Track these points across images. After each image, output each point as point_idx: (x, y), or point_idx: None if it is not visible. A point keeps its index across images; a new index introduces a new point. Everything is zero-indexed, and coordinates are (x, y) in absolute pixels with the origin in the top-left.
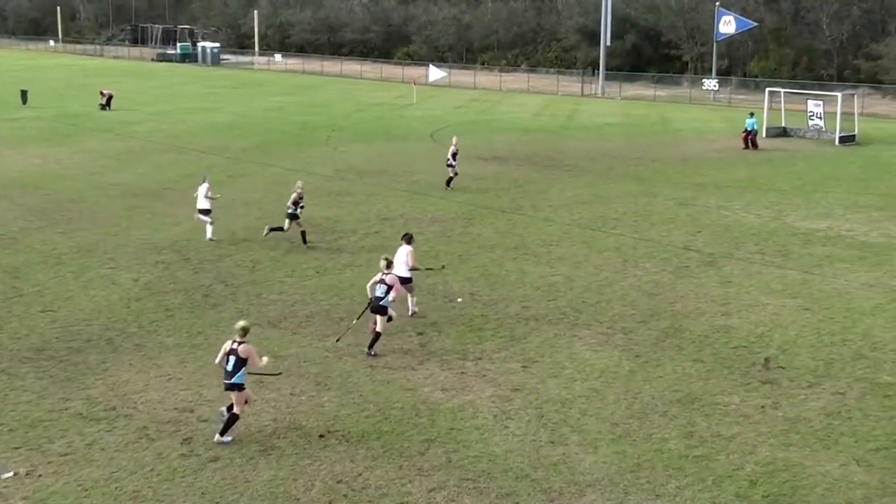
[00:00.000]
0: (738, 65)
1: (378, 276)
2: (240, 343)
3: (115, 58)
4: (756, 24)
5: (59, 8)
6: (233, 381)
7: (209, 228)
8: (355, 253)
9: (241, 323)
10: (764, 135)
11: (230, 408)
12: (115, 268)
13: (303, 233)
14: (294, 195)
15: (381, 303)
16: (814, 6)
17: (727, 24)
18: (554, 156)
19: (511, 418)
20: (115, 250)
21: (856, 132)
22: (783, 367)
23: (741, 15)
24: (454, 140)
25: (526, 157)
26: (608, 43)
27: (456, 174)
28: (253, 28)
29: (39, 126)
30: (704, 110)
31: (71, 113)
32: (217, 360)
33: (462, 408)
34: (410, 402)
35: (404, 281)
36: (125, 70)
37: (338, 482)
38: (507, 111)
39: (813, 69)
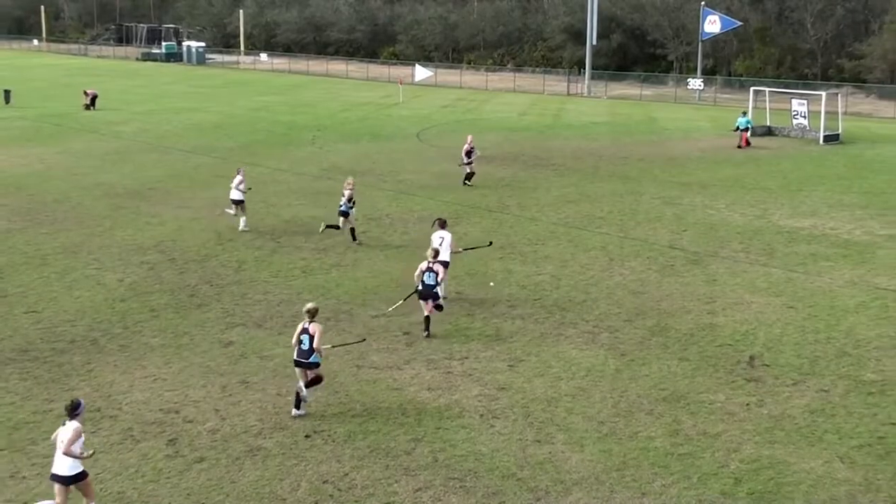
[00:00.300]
0: (723, 64)
1: (426, 265)
2: (311, 324)
3: (100, 57)
4: (741, 23)
5: (42, 7)
6: (308, 360)
7: (241, 220)
8: (342, 253)
9: (310, 305)
10: (749, 134)
11: (309, 384)
12: (100, 268)
13: (352, 230)
14: (347, 192)
15: (432, 290)
16: (798, 6)
17: (712, 24)
18: (540, 155)
19: (497, 417)
20: (99, 251)
21: (840, 131)
22: (768, 365)
23: (726, 14)
24: (468, 138)
25: (512, 157)
26: (594, 42)
27: (472, 172)
28: (238, 27)
29: (23, 126)
30: (690, 109)
31: (55, 113)
32: (293, 341)
33: (448, 407)
34: (397, 401)
35: (445, 265)
36: (110, 69)
37: (324, 482)
38: (494, 110)
39: (797, 68)
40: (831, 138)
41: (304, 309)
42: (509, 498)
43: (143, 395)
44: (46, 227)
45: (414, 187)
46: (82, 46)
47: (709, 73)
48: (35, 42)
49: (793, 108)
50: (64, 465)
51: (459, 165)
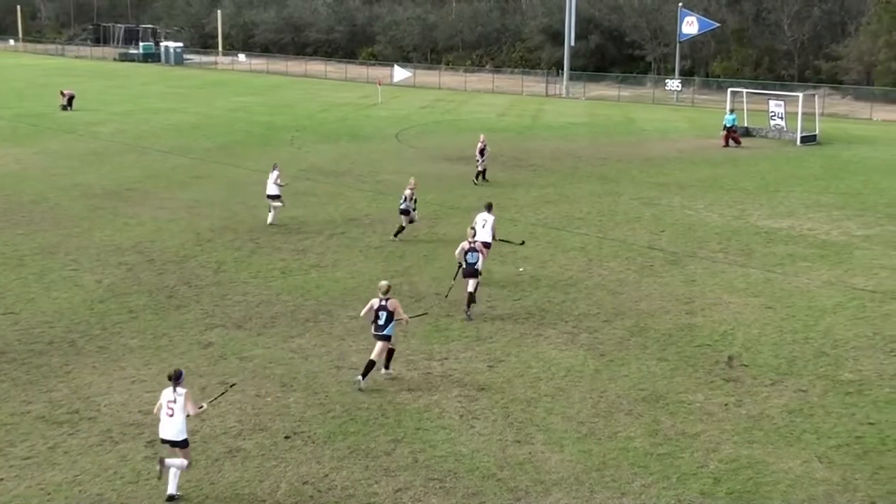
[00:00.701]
0: (700, 65)
1: (468, 245)
2: (387, 300)
3: (77, 57)
4: (718, 24)
5: (19, 7)
6: (385, 332)
7: (271, 214)
8: (321, 254)
9: (384, 283)
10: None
11: (388, 358)
12: (78, 269)
13: (402, 228)
14: (407, 191)
15: (475, 267)
16: (775, 7)
17: (690, 25)
18: (519, 156)
19: (477, 418)
20: (77, 252)
21: (817, 132)
22: (746, 365)
23: (703, 16)
24: (481, 137)
25: (491, 157)
26: (572, 43)
27: (484, 169)
28: (216, 28)
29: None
30: (668, 110)
31: (32, 113)
32: (362, 314)
33: (428, 408)
34: (377, 402)
35: (486, 246)
36: (87, 70)
37: (304, 483)
38: (472, 111)
39: (774, 69)
40: (808, 139)
41: (379, 286)
42: (489, 498)
43: (121, 396)
44: (23, 227)
45: (393, 188)
46: (59, 46)
47: (686, 75)
48: (11, 42)
49: (770, 109)
50: (177, 430)
51: (477, 163)
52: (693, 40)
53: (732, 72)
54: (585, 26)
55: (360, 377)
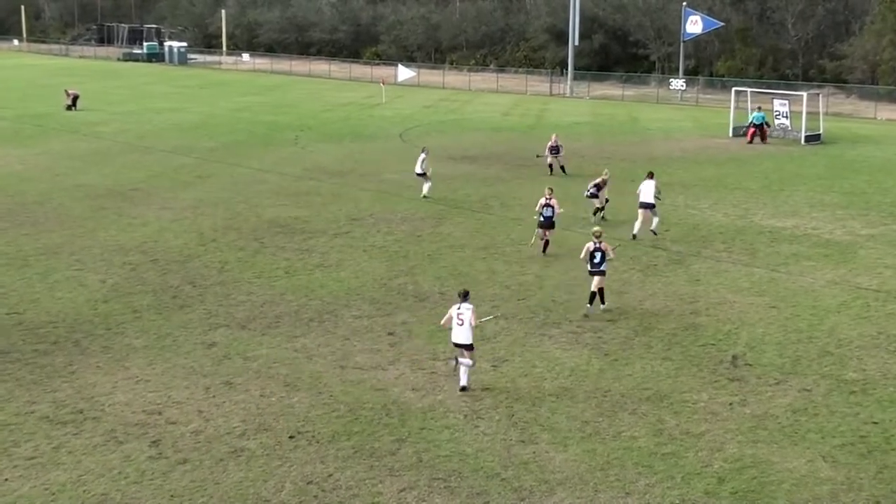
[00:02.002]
0: (704, 64)
1: (543, 201)
2: (601, 242)
3: (81, 57)
4: (722, 23)
5: (23, 7)
6: (601, 268)
7: (425, 186)
8: (325, 253)
9: (597, 228)
10: (731, 134)
11: (600, 293)
12: (82, 269)
13: (600, 209)
14: (599, 179)
15: (550, 220)
16: (779, 6)
17: (694, 24)
18: (523, 155)
19: (481, 417)
20: (81, 252)
21: (821, 131)
22: (751, 365)
23: (708, 15)
24: (553, 136)
25: (495, 157)
26: (576, 43)
27: (563, 165)
28: (220, 27)
29: (3, 127)
30: (672, 110)
31: (35, 113)
32: (581, 256)
33: (432, 407)
34: (381, 402)
35: (651, 206)
36: (91, 70)
37: (308, 483)
38: (477, 111)
39: (779, 69)
40: (813, 138)
41: (592, 231)
42: (493, 498)
43: (125, 396)
44: (27, 228)
45: (397, 187)
46: (63, 47)
47: (691, 74)
48: (15, 42)
49: (774, 109)
50: (467, 336)
51: (537, 157)
52: (697, 39)
53: (737, 71)
54: (589, 25)
55: (588, 305)
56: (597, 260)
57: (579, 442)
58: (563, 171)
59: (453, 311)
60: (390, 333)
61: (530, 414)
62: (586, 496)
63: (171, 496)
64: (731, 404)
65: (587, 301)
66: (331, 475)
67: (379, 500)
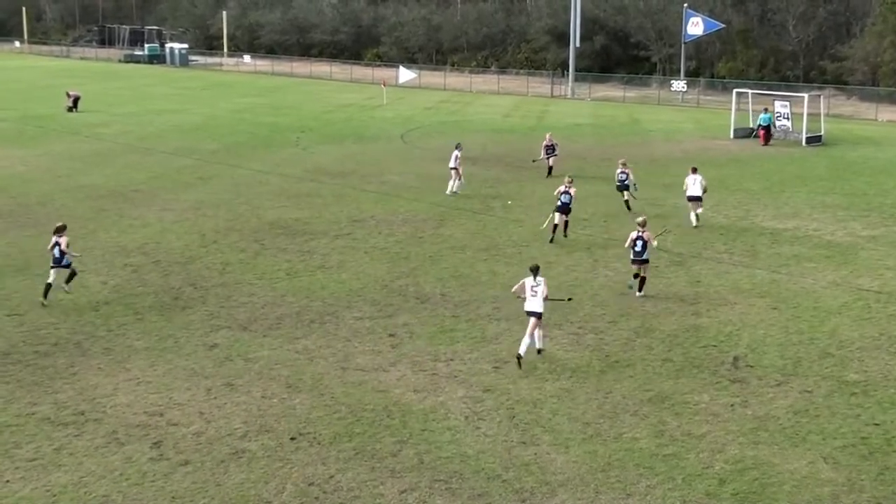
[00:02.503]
0: (705, 66)
1: (563, 188)
2: (644, 231)
3: (83, 59)
4: (723, 25)
5: (24, 8)
6: (643, 257)
7: (456, 183)
8: (326, 255)
9: (641, 218)
10: (732, 136)
11: (638, 277)
12: (84, 271)
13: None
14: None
15: (568, 206)
16: (780, 8)
17: (695, 26)
18: (524, 156)
19: (483, 419)
20: (82, 253)
21: (822, 133)
22: (752, 366)
23: (709, 16)
24: (547, 135)
25: (497, 158)
26: (577, 44)
27: (551, 166)
28: (221, 29)
29: (4, 128)
30: (673, 111)
31: (37, 115)
32: (626, 245)
33: (434, 409)
34: (382, 403)
35: (698, 199)
36: (92, 71)
37: (309, 485)
38: (478, 112)
39: (780, 70)
40: (814, 140)
41: (637, 221)
42: (495, 499)
43: (127, 397)
44: (29, 229)
45: (398, 189)
46: (64, 48)
47: (692, 75)
48: (16, 44)
49: (776, 110)
50: (539, 305)
51: (533, 161)
52: (698, 41)
53: (738, 72)
54: (590, 27)
55: (636, 291)
56: (638, 248)
57: (580, 443)
58: (549, 172)
59: (528, 282)
60: (392, 335)
61: (531, 415)
62: (587, 497)
63: (173, 498)
64: (732, 406)
65: (634, 287)
66: (332, 477)
67: (380, 502)
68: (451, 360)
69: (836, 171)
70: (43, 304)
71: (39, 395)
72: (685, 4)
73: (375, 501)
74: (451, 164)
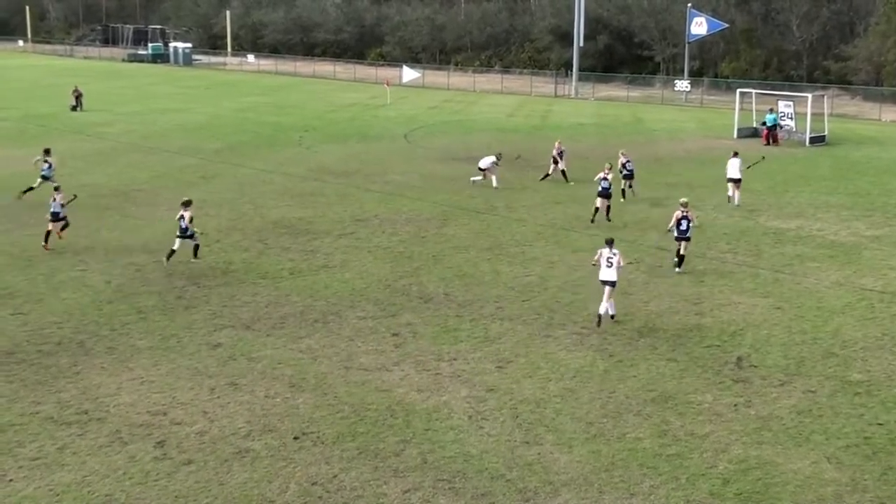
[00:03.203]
0: (709, 66)
1: (602, 174)
2: (687, 211)
3: (86, 58)
4: (727, 25)
5: (27, 7)
6: (687, 235)
7: (493, 179)
8: (329, 254)
9: (684, 200)
10: (735, 135)
11: (679, 254)
12: (86, 270)
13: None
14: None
15: (608, 191)
16: (784, 7)
17: (699, 26)
18: (528, 156)
19: (486, 419)
20: (85, 252)
21: (825, 133)
22: (755, 366)
23: (712, 16)
24: (557, 143)
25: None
26: (581, 44)
27: (564, 170)
28: (225, 28)
29: (7, 127)
30: (676, 111)
31: (40, 114)
32: (670, 225)
33: (437, 409)
34: (385, 403)
35: (737, 181)
36: (96, 70)
37: (313, 484)
38: (482, 112)
39: (783, 70)
40: (817, 140)
41: (680, 201)
42: (498, 499)
43: (130, 397)
44: (31, 228)
45: (402, 188)
46: (68, 47)
47: (696, 75)
48: (20, 43)
49: (779, 110)
50: (613, 275)
51: (546, 176)
52: (702, 41)
53: (741, 72)
54: (594, 27)
55: (677, 268)
56: (683, 227)
57: (584, 443)
58: (564, 176)
59: (605, 252)
60: (395, 334)
61: (535, 415)
62: (591, 497)
63: (176, 497)
64: (735, 405)
65: (676, 262)
66: (335, 476)
67: (383, 502)
68: (455, 359)
69: (840, 170)
70: (164, 264)
71: (43, 395)
72: (689, 4)
73: (378, 501)
74: (481, 165)
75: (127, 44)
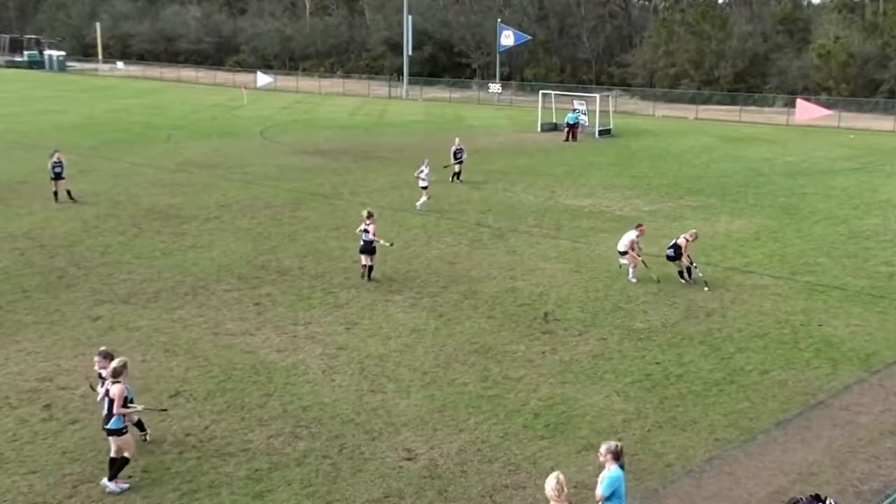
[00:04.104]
0: (516, 71)
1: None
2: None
3: None
4: (530, 37)
5: None
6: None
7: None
8: (197, 236)
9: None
10: (539, 129)
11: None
12: None
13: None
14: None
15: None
16: (575, 23)
17: (507, 38)
18: (368, 149)
19: (337, 373)
20: None
21: (611, 126)
22: (559, 320)
23: (518, 30)
24: (456, 139)
25: (344, 151)
26: (410, 53)
27: (460, 171)
28: (96, 38)
29: None
30: (491, 109)
31: None
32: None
33: (295, 366)
34: (250, 363)
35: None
36: None
37: (187, 435)
38: (327, 111)
39: (576, 75)
40: (605, 132)
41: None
42: (349, 440)
43: (18, 367)
44: None
45: (259, 177)
46: None
47: (505, 79)
48: None
49: (574, 108)
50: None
51: (445, 167)
52: (510, 50)
53: (542, 76)
54: (421, 38)
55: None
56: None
57: (420, 389)
58: (458, 178)
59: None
60: (257, 304)
61: (378, 368)
62: (427, 434)
63: (63, 453)
64: (543, 353)
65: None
66: (207, 427)
67: (250, 447)
68: (309, 323)
69: (623, 157)
70: (364, 281)
71: None
72: (499, 20)
73: (246, 447)
74: (425, 183)
75: (4, 52)
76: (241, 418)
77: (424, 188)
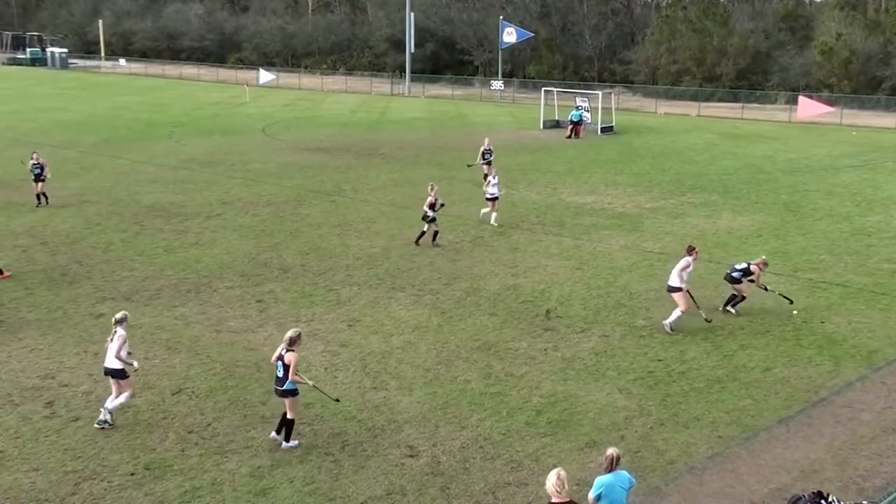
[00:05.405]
0: (519, 68)
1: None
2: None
3: None
4: (532, 34)
5: None
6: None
7: (490, 214)
8: (199, 233)
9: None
10: (541, 126)
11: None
12: None
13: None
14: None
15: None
16: (578, 20)
17: (509, 35)
18: (370, 146)
19: (339, 369)
20: None
21: (613, 124)
22: (561, 317)
23: (520, 27)
24: (486, 140)
25: (346, 148)
26: (412, 50)
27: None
28: (98, 35)
29: None
30: (493, 106)
31: None
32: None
33: (298, 362)
34: (252, 360)
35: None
36: None
37: (189, 432)
38: (329, 108)
39: (578, 72)
40: (607, 129)
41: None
42: (351, 436)
43: (20, 364)
44: None
45: (262, 175)
46: None
47: (508, 76)
48: None
49: (576, 105)
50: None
51: (469, 166)
52: (512, 47)
53: (545, 74)
54: (423, 36)
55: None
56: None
57: (422, 386)
58: (485, 178)
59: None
60: (259, 301)
61: (381, 365)
62: (429, 431)
63: (65, 450)
64: (545, 350)
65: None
66: (209, 424)
67: (252, 444)
68: (311, 320)
69: (625, 154)
70: (416, 244)
71: None
72: (501, 17)
73: (248, 444)
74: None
75: (6, 49)
76: (243, 416)
77: (492, 199)
